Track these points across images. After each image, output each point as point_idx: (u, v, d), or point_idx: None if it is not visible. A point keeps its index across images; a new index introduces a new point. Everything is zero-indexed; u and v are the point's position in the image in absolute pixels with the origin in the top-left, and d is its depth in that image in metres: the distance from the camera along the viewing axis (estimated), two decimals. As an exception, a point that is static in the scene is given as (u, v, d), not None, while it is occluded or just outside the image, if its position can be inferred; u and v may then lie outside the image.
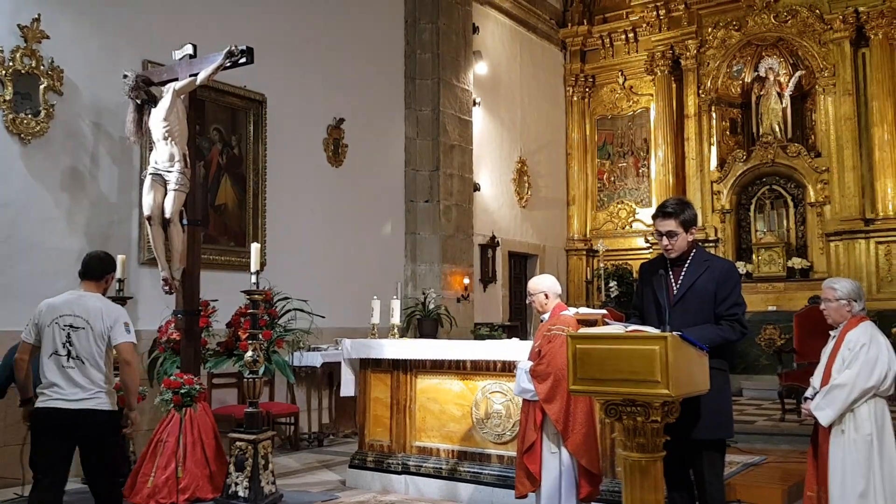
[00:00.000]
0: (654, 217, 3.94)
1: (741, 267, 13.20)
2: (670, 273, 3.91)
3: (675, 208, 3.87)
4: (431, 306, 10.34)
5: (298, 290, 7.84)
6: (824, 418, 4.16)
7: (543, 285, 4.67)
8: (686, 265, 3.89)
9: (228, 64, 6.21)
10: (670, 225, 3.85)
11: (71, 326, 4.37)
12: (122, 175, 7.53)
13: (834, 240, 12.56)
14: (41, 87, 6.88)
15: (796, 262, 12.88)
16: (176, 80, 6.42)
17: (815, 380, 4.34)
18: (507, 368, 5.51)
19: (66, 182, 7.09)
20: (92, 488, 4.48)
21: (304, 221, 9.35)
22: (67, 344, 4.33)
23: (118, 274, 6.70)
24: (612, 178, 15.08)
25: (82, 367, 4.31)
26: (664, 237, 3.88)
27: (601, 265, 14.26)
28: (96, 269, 4.67)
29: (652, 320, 3.82)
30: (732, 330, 3.78)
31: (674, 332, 3.26)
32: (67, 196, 7.09)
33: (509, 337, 9.59)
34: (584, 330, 3.69)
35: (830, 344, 4.34)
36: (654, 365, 3.19)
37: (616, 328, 3.53)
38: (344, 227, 9.92)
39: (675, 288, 3.88)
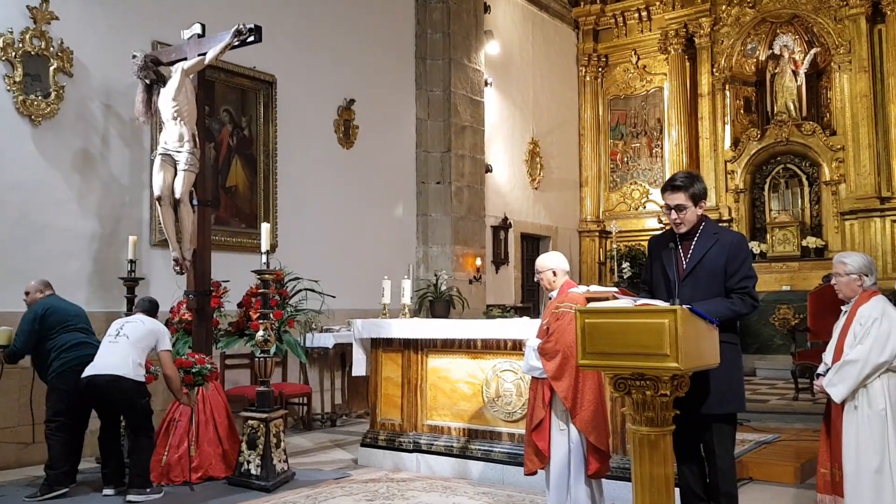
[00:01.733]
0: (663, 191, 3.89)
1: (755, 246, 13.13)
2: (679, 247, 3.86)
3: (685, 181, 3.82)
4: (443, 288, 10.32)
5: (310, 271, 7.84)
6: (836, 394, 4.10)
7: (551, 263, 4.63)
8: (695, 239, 3.84)
9: (237, 43, 6.19)
10: (679, 198, 3.80)
11: (126, 321, 5.66)
12: (133, 156, 7.54)
13: (849, 218, 12.48)
14: (51, 68, 6.89)
15: (811, 242, 12.80)
16: (185, 59, 6.41)
17: (828, 356, 4.29)
18: (518, 347, 5.51)
19: (77, 164, 7.10)
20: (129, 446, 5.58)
21: (315, 203, 9.35)
22: (120, 329, 5.54)
23: (130, 255, 6.77)
24: (625, 159, 14.99)
25: (126, 341, 5.43)
26: (673, 211, 3.83)
27: (614, 246, 14.21)
28: (151, 308, 5.89)
29: (661, 294, 3.78)
30: (743, 303, 3.73)
31: (683, 306, 3.23)
32: (78, 178, 7.10)
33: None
34: (592, 304, 3.66)
35: (842, 319, 4.28)
36: (663, 338, 3.16)
37: (625, 302, 3.50)
38: (355, 208, 9.92)
39: (684, 262, 3.83)
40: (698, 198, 3.82)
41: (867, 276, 4.20)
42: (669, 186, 3.85)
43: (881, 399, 4.01)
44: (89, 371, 5.35)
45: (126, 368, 5.34)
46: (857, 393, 4.06)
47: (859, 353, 4.04)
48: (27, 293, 5.92)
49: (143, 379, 5.47)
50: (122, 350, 5.40)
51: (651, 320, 3.21)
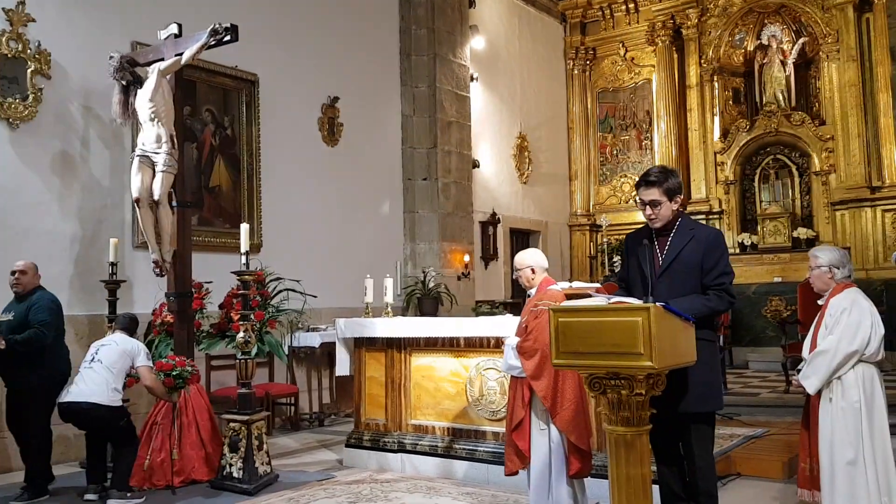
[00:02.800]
0: (638, 186, 3.85)
1: (746, 238, 13.09)
2: (655, 243, 3.82)
3: (659, 177, 3.77)
4: (431, 285, 10.28)
5: (296, 271, 7.79)
6: (810, 386, 4.08)
7: (530, 260, 4.57)
8: (671, 235, 3.80)
9: (213, 42, 6.13)
10: (653, 194, 3.75)
11: (102, 345, 5.56)
12: (114, 158, 7.47)
13: (840, 209, 12.43)
14: (28, 70, 6.82)
15: (802, 233, 12.75)
16: (161, 60, 6.34)
17: (805, 350, 4.26)
18: (501, 345, 5.44)
19: (57, 166, 7.04)
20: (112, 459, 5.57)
21: (300, 202, 9.28)
22: (95, 354, 5.46)
23: (111, 258, 6.71)
24: (615, 152, 14.92)
25: (100, 367, 5.36)
26: (647, 206, 3.79)
27: (605, 240, 14.15)
28: (131, 325, 5.79)
29: (638, 292, 3.73)
30: (720, 300, 3.68)
31: (658, 303, 3.18)
32: (59, 181, 7.04)
33: (514, 314, 9.52)
34: (566, 303, 3.60)
35: (820, 313, 4.26)
36: (636, 337, 3.11)
37: (599, 300, 3.44)
38: (341, 206, 9.85)
39: (660, 258, 3.79)
40: (673, 193, 3.77)
41: (838, 268, 4.19)
42: (643, 182, 3.80)
43: (855, 391, 3.98)
44: (66, 398, 5.34)
45: (102, 396, 5.30)
46: (831, 385, 4.04)
47: (829, 343, 4.03)
48: (24, 272, 5.77)
49: (119, 403, 5.43)
50: (98, 377, 5.35)
51: (624, 318, 3.17)
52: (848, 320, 4.00)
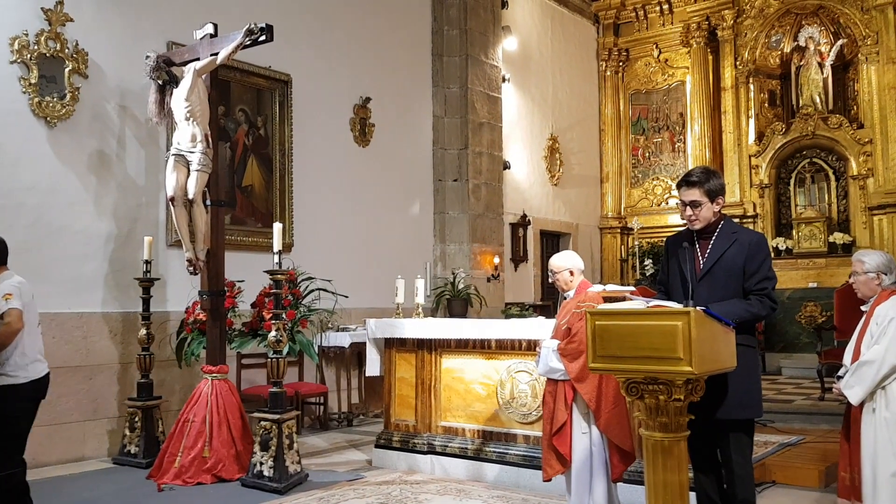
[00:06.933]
0: (679, 186, 3.79)
1: (781, 243, 12.90)
2: (696, 246, 3.75)
3: (700, 177, 3.70)
4: (461, 286, 10.24)
5: (326, 270, 7.79)
6: (853, 396, 3.99)
7: (568, 262, 4.53)
8: (713, 237, 3.74)
9: (248, 42, 6.15)
10: (694, 194, 3.69)
11: (31, 299, 4.47)
12: (149, 157, 7.52)
13: (878, 213, 12.21)
14: (66, 70, 6.88)
15: (838, 238, 12.54)
16: (197, 59, 6.38)
17: (847, 357, 4.16)
18: (533, 347, 5.40)
19: (93, 165, 7.09)
20: None
21: (331, 202, 9.30)
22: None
23: (145, 256, 6.76)
24: (647, 154, 14.79)
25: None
26: (688, 207, 3.72)
27: (636, 243, 14.03)
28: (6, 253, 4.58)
29: (678, 295, 3.68)
30: (762, 305, 3.61)
31: (698, 307, 3.12)
32: (94, 179, 7.09)
33: (544, 316, 9.45)
34: (603, 306, 3.55)
35: (863, 320, 4.15)
36: (676, 341, 3.05)
37: (637, 304, 3.39)
38: (372, 207, 9.85)
39: (701, 261, 3.73)
40: (714, 194, 3.71)
41: (886, 274, 4.08)
42: (685, 182, 3.75)
43: None
44: (47, 370, 4.55)
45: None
46: (875, 395, 3.94)
47: (875, 353, 3.92)
48: None
49: None
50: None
51: (664, 322, 3.11)
52: None
